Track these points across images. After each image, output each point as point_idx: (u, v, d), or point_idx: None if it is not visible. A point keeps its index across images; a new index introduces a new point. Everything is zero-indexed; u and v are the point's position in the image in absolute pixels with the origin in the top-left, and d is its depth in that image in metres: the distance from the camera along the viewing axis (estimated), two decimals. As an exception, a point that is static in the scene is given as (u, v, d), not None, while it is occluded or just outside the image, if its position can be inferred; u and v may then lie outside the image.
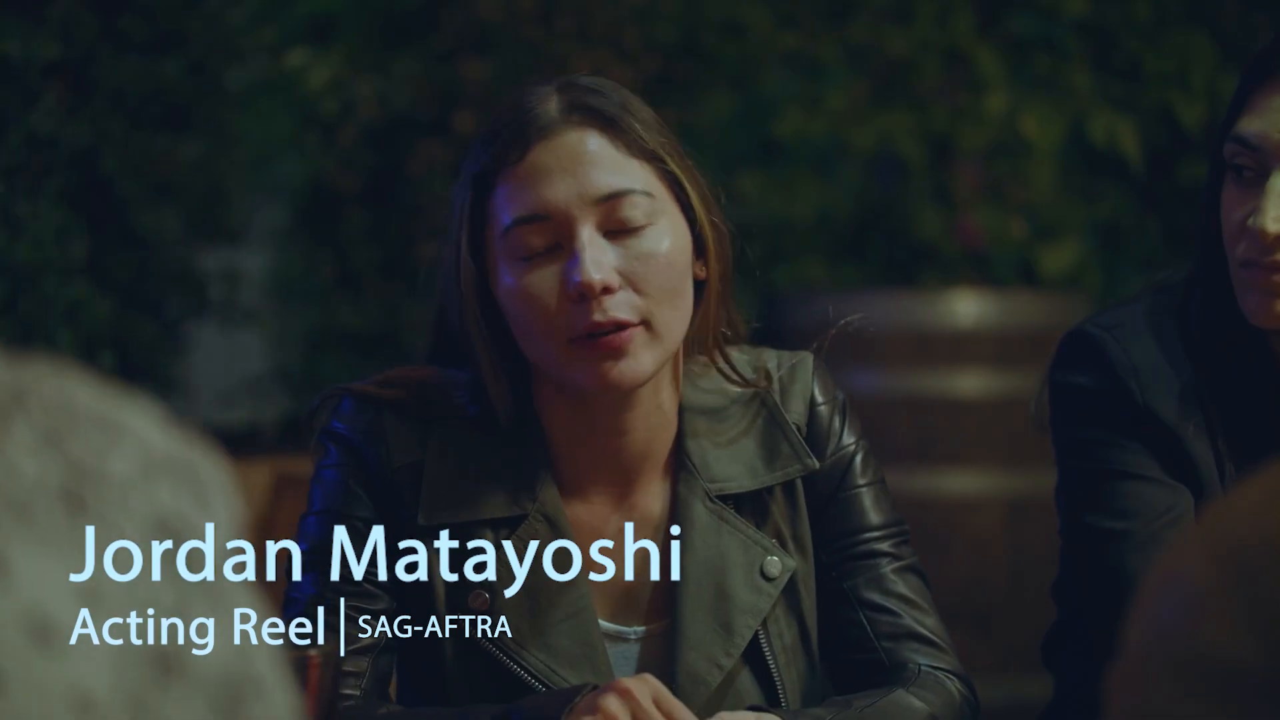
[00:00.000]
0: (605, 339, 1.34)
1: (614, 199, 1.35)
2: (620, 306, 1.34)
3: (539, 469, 1.42)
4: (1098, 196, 4.27)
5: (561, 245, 1.35)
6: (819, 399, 1.49)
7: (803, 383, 1.49)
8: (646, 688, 1.29)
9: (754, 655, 1.43)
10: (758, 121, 4.24)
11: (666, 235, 1.37)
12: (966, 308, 3.54)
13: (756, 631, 1.43)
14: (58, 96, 3.34)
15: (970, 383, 3.50)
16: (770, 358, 1.50)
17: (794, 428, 1.47)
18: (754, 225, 4.09)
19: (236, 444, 3.76)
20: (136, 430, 0.54)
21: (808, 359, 1.50)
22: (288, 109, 4.33)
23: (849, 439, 1.49)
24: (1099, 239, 4.26)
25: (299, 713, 0.55)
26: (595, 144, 1.36)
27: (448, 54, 4.04)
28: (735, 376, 1.45)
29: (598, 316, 1.33)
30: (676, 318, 1.38)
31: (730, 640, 1.41)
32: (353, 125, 4.09)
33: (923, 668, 1.45)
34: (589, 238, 1.34)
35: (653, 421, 1.44)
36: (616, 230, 1.35)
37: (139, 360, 3.59)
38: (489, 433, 1.42)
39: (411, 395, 1.43)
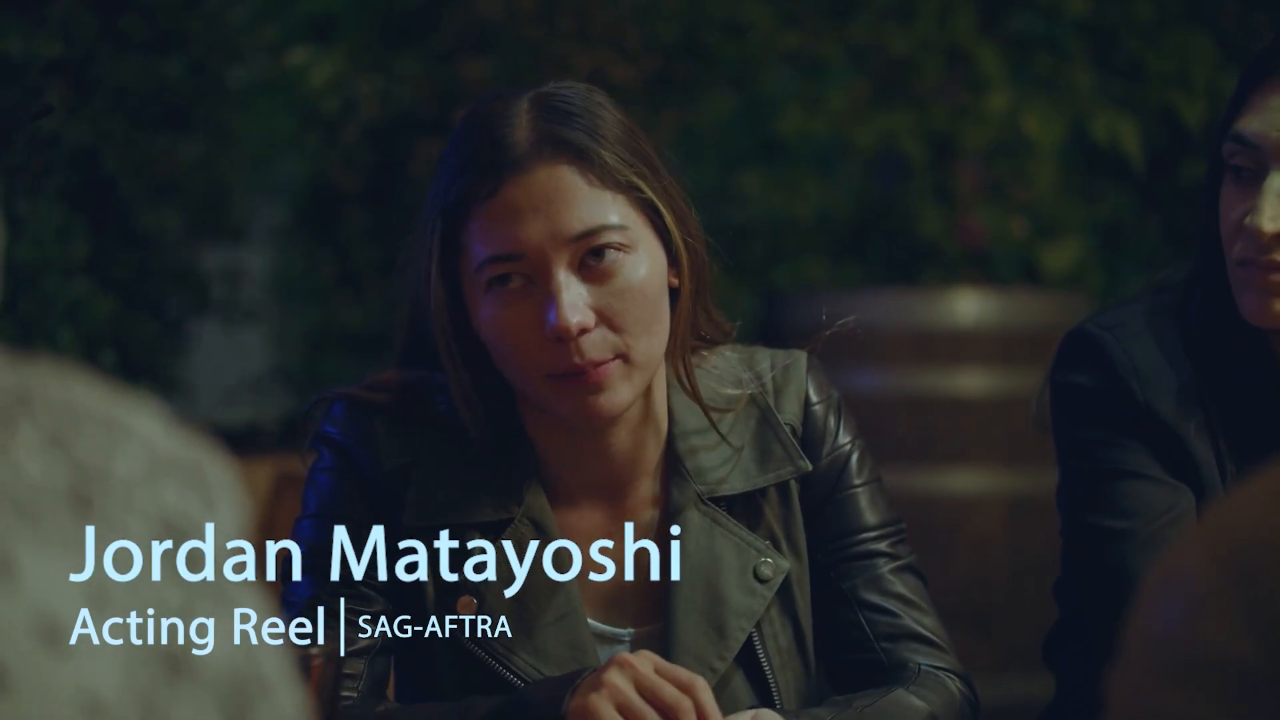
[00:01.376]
0: (584, 376, 1.33)
1: (588, 236, 1.34)
2: (596, 346, 1.33)
3: (526, 473, 1.42)
4: (1099, 196, 4.27)
5: (536, 282, 1.34)
6: (814, 398, 1.48)
7: (797, 382, 1.48)
8: (647, 660, 1.29)
9: (748, 658, 1.43)
10: (759, 121, 4.24)
11: (641, 264, 1.36)
12: (967, 307, 3.54)
13: (751, 634, 1.42)
14: (59, 96, 3.34)
15: (971, 382, 3.50)
16: (763, 358, 1.50)
17: (786, 429, 1.46)
18: (755, 224, 4.10)
19: (237, 443, 3.76)
20: (141, 430, 0.54)
21: (801, 358, 1.50)
22: (288, 108, 4.33)
23: (844, 438, 1.49)
24: (1100, 238, 4.27)
25: (305, 713, 0.55)
26: (568, 180, 1.34)
27: (448, 53, 4.04)
28: (689, 389, 1.43)
29: (576, 359, 1.33)
30: (654, 344, 1.37)
31: (723, 643, 1.41)
32: (354, 124, 4.09)
33: (922, 667, 1.44)
34: (564, 279, 1.33)
35: (640, 433, 1.44)
36: (591, 266, 1.34)
37: (140, 359, 3.59)
38: (470, 437, 1.42)
39: (399, 399, 1.43)
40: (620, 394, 1.35)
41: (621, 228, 1.35)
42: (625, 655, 1.29)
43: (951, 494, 3.47)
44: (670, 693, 1.27)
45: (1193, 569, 0.58)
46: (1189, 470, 1.50)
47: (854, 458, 1.48)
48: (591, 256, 1.34)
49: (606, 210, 1.35)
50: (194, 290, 3.79)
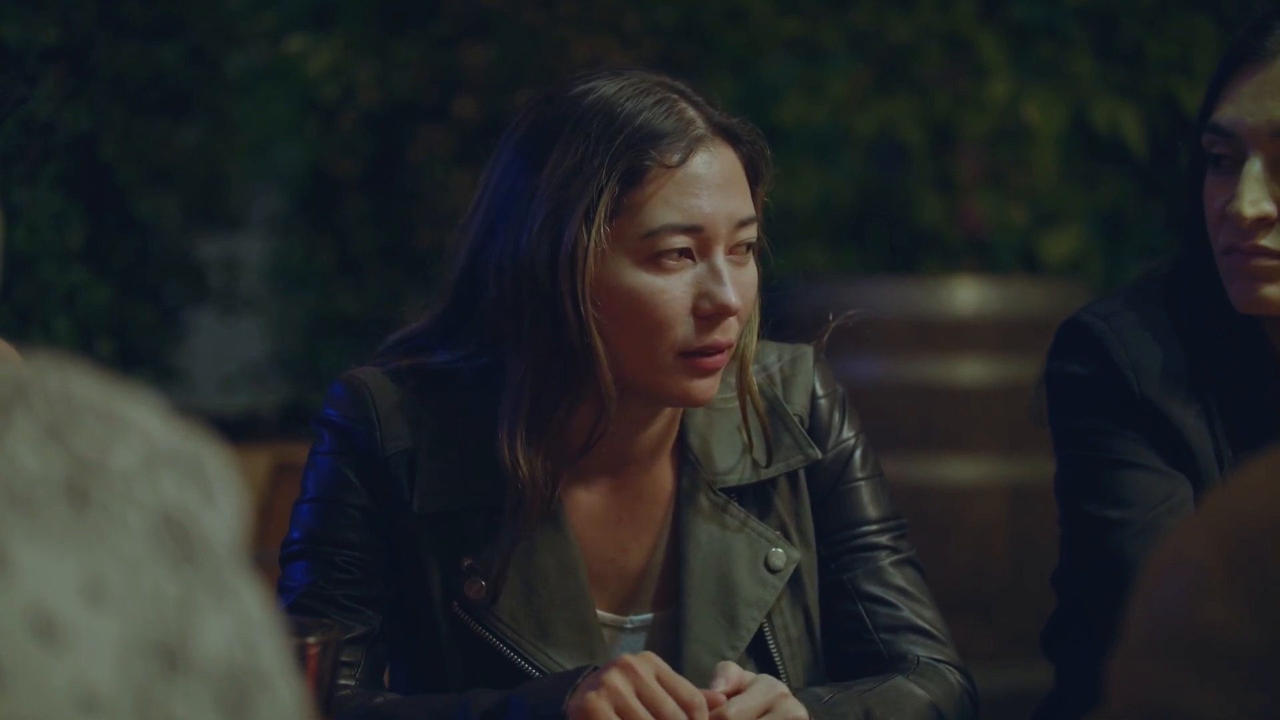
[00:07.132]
0: (710, 359, 1.35)
1: (745, 225, 1.37)
2: (731, 330, 1.36)
3: None
4: (1100, 183, 4.26)
5: (695, 258, 1.35)
6: (820, 392, 1.49)
7: (804, 375, 1.49)
8: (650, 665, 1.28)
9: (759, 648, 1.43)
10: (759, 107, 4.22)
11: (754, 263, 1.39)
12: (968, 295, 3.54)
13: (761, 624, 1.43)
14: (57, 81, 3.34)
15: (971, 370, 3.49)
16: (770, 350, 1.50)
17: (795, 419, 1.47)
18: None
19: (236, 431, 3.76)
20: (139, 422, 0.54)
21: (808, 352, 1.50)
22: (287, 95, 4.32)
23: (849, 433, 1.49)
24: (1101, 226, 4.26)
25: (304, 705, 0.54)
26: (739, 166, 1.38)
27: (448, 40, 4.03)
28: (754, 397, 1.44)
29: (719, 337, 1.35)
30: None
31: (735, 633, 1.41)
32: (353, 111, 4.08)
33: (921, 659, 1.45)
34: (724, 260, 1.35)
35: (664, 422, 1.44)
36: (736, 255, 1.37)
37: (138, 347, 3.58)
38: (485, 419, 1.40)
39: (419, 378, 1.41)
40: (717, 384, 1.38)
41: (756, 222, 1.38)
42: (628, 658, 1.28)
43: (951, 482, 3.47)
44: (670, 708, 1.26)
45: (1194, 551, 0.58)
46: (1186, 459, 1.50)
47: (858, 452, 1.49)
48: (741, 246, 1.37)
49: (751, 204, 1.38)
50: (192, 278, 3.79)
